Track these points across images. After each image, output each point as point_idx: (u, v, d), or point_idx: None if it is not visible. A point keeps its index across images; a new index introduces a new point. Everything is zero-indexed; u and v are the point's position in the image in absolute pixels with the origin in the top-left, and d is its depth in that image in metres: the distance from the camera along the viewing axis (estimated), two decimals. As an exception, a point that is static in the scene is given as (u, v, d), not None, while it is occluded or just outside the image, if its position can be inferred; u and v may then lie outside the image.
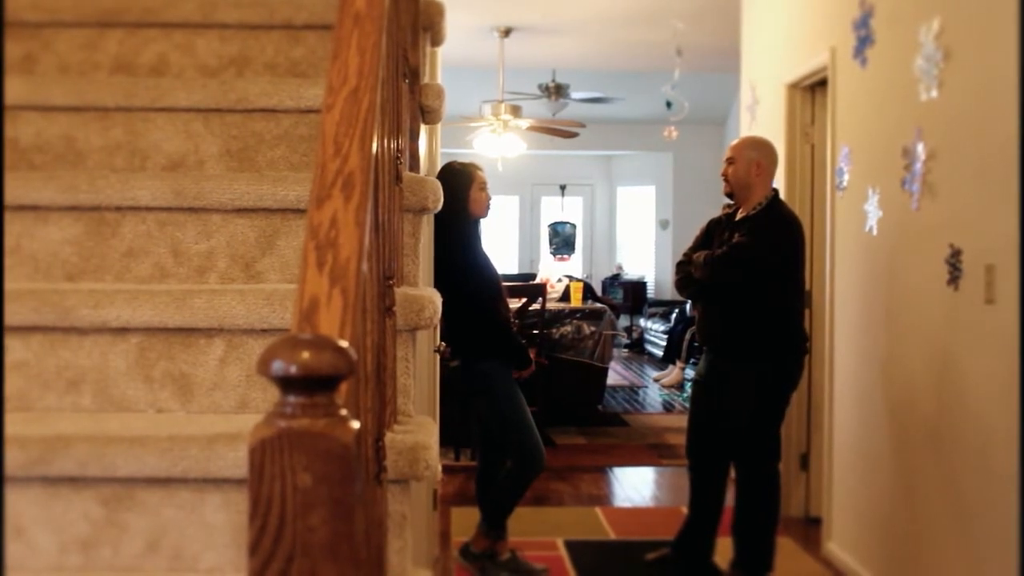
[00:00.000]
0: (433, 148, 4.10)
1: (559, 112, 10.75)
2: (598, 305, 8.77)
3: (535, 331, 6.86)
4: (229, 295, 1.88)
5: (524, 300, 6.64)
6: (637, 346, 12.80)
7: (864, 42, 4.20)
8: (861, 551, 4.26)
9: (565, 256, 15.08)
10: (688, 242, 4.35)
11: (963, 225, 3.36)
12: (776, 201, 4.10)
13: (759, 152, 4.11)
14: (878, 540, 4.09)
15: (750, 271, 3.97)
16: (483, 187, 4.25)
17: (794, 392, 4.19)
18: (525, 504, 4.60)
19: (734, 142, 4.28)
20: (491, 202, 4.31)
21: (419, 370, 2.47)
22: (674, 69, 7.28)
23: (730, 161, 4.12)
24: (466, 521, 4.72)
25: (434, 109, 2.47)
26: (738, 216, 4.13)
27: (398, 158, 1.95)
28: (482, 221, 4.30)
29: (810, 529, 4.97)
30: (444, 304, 3.38)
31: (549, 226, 15.34)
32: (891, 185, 3.91)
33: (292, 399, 1.02)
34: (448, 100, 2.63)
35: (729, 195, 4.17)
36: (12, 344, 1.89)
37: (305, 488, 0.99)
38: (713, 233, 4.23)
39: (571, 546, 4.78)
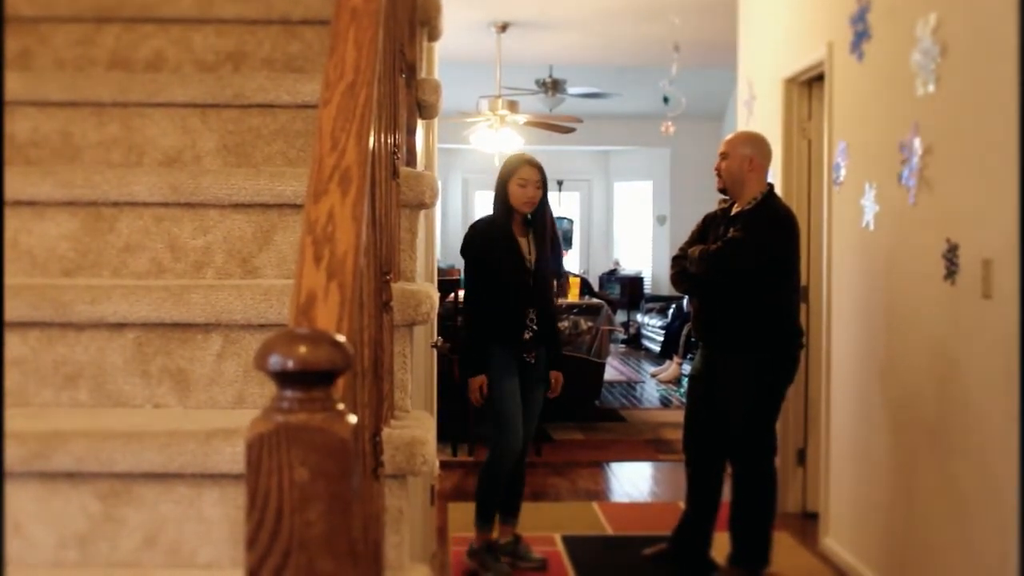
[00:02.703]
0: (430, 143, 4.10)
1: (556, 107, 10.73)
2: (595, 300, 8.77)
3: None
4: (226, 290, 1.88)
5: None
6: (634, 341, 12.81)
7: (861, 37, 4.20)
8: (858, 546, 4.27)
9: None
10: (685, 237, 4.36)
11: (960, 220, 3.36)
12: (771, 196, 4.10)
13: (752, 148, 4.12)
14: (875, 535, 4.09)
15: (745, 266, 3.97)
16: (523, 183, 4.20)
17: (790, 387, 4.19)
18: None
19: (728, 137, 4.29)
20: (532, 199, 4.21)
21: (416, 365, 2.47)
22: (671, 64, 7.26)
23: (723, 156, 4.14)
24: (464, 517, 4.72)
25: (431, 104, 2.47)
26: (733, 211, 4.13)
27: (395, 153, 1.95)
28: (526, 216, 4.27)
29: (807, 524, 4.97)
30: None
31: (547, 221, 15.31)
32: (888, 180, 3.91)
33: (289, 394, 1.01)
34: (445, 95, 2.63)
35: (722, 190, 4.18)
36: (10, 340, 1.89)
37: (302, 483, 0.99)
38: (709, 228, 4.24)
39: (568, 541, 4.78)
